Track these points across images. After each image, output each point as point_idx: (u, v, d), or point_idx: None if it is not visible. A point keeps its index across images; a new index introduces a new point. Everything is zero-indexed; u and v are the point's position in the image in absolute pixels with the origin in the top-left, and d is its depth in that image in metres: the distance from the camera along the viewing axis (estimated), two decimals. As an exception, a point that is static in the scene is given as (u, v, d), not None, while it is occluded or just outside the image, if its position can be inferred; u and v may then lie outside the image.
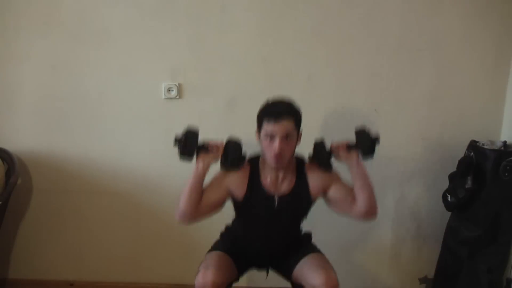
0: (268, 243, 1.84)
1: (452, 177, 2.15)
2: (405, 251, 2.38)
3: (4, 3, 2.15)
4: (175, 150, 2.24)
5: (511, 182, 2.00)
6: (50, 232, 2.36)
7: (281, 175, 1.75)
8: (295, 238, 1.89)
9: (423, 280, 2.39)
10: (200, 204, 1.71)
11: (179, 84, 2.19)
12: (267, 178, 1.75)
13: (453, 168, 2.14)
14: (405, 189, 2.31)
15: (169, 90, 2.19)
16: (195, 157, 1.72)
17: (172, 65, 2.17)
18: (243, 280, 2.36)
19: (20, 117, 2.25)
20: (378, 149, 2.26)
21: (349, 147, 1.76)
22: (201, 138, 1.73)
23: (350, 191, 1.77)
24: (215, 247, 1.86)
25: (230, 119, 2.19)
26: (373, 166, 2.28)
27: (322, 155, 1.76)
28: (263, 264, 1.92)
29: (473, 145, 2.10)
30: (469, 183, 2.04)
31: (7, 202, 2.13)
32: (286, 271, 1.85)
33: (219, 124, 2.20)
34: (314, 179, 1.77)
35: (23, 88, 2.22)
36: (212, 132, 2.20)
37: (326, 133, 2.21)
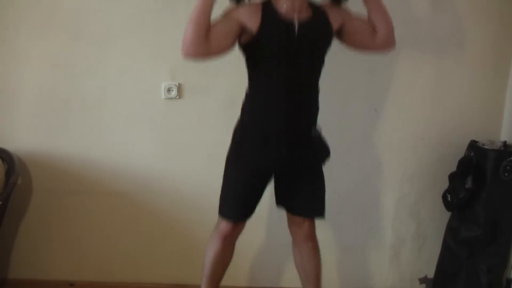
0: (290, 99, 1.69)
1: (452, 177, 2.15)
2: (405, 251, 2.38)
3: (4, 3, 2.15)
4: (175, 150, 2.26)
5: (511, 182, 2.00)
6: (50, 232, 2.36)
7: (297, 3, 1.63)
8: (315, 102, 1.79)
9: (423, 280, 2.39)
10: (209, 35, 1.55)
11: (179, 84, 2.19)
12: (283, 7, 1.62)
13: (453, 168, 2.14)
14: (405, 189, 2.31)
15: (169, 90, 2.19)
16: None
17: (172, 65, 2.17)
18: (245, 280, 2.37)
19: (20, 117, 2.25)
20: (378, 149, 2.28)
21: None
22: None
23: (368, 22, 1.76)
24: (226, 207, 1.80)
25: (230, 119, 2.19)
26: (373, 166, 2.30)
27: None
28: (280, 157, 1.74)
29: (473, 145, 2.10)
30: (469, 183, 2.04)
31: (7, 202, 2.13)
32: (286, 201, 1.86)
33: (219, 124, 2.20)
34: (332, 12, 1.72)
35: (23, 88, 2.22)
36: (212, 132, 2.22)
37: (325, 133, 2.22)
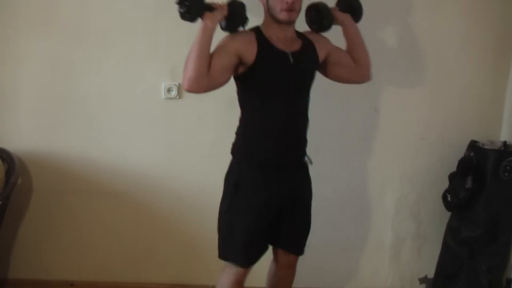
0: (284, 129, 1.70)
1: (452, 177, 2.15)
2: (405, 251, 2.38)
3: (4, 3, 2.15)
4: (175, 150, 2.26)
5: (511, 182, 2.00)
6: (50, 232, 2.36)
7: (289, 34, 1.68)
8: (305, 133, 1.80)
9: (423, 280, 2.39)
10: (210, 70, 1.55)
11: (179, 84, 2.18)
12: (275, 39, 1.66)
13: (453, 168, 2.14)
14: (405, 189, 2.31)
15: (169, 90, 2.19)
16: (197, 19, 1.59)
17: (172, 65, 2.16)
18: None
19: (20, 117, 2.25)
20: (378, 148, 2.28)
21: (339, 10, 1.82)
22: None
23: (348, 53, 1.84)
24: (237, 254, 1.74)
25: (230, 119, 2.18)
26: (373, 166, 2.30)
27: (324, 15, 1.78)
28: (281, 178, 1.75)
29: (473, 145, 2.10)
30: (469, 183, 2.04)
31: (7, 202, 2.13)
32: (279, 238, 1.83)
33: (219, 124, 2.20)
34: (318, 42, 1.77)
35: (23, 88, 2.22)
36: (212, 132, 2.22)
37: (325, 133, 2.22)
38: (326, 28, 1.81)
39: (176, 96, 2.19)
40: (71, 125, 2.25)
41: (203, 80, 1.55)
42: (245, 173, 1.73)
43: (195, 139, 2.25)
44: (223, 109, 2.19)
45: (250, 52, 1.62)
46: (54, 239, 2.37)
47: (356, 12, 1.85)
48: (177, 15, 2.17)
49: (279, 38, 1.67)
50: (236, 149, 1.77)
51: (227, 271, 1.78)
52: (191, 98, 2.20)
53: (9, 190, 2.08)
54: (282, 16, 1.62)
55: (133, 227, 2.36)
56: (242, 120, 1.77)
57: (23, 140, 2.27)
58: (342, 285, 2.43)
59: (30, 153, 2.28)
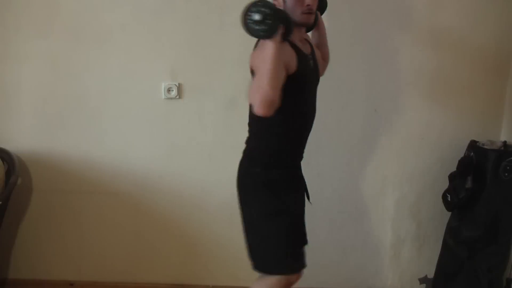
0: (310, 120, 1.76)
1: (452, 177, 2.15)
2: (405, 251, 2.38)
3: (4, 3, 2.15)
4: (175, 150, 2.26)
5: (511, 182, 2.00)
6: (50, 232, 2.36)
7: (303, 36, 1.72)
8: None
9: (423, 280, 2.39)
10: None
11: (179, 84, 2.19)
12: (297, 42, 1.65)
13: (453, 168, 2.14)
14: (405, 189, 2.31)
15: (169, 90, 2.19)
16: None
17: (172, 65, 2.17)
18: (245, 279, 2.37)
19: (20, 117, 2.25)
20: (378, 148, 2.28)
21: None
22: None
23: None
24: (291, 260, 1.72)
25: (230, 119, 2.19)
26: (373, 166, 2.30)
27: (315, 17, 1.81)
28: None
29: (473, 145, 2.10)
30: (469, 183, 2.04)
31: (7, 202, 2.13)
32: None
33: (219, 124, 2.20)
34: (311, 41, 1.82)
35: (23, 88, 2.22)
36: (212, 132, 2.22)
37: (325, 133, 2.22)
38: (311, 30, 1.85)
39: (176, 96, 2.19)
40: (71, 125, 2.25)
41: (279, 100, 1.45)
42: (275, 176, 1.70)
43: (195, 139, 2.25)
44: (223, 109, 2.19)
45: (293, 61, 1.58)
46: (54, 239, 2.37)
47: (323, 8, 1.89)
48: (177, 15, 2.16)
49: (299, 41, 1.68)
50: (262, 155, 1.72)
51: (273, 282, 1.70)
52: (191, 98, 2.21)
53: (9, 190, 2.08)
54: (303, 18, 1.61)
55: (133, 227, 2.36)
56: (265, 124, 1.66)
57: (23, 140, 2.27)
58: (342, 285, 2.43)
59: (30, 153, 2.28)
